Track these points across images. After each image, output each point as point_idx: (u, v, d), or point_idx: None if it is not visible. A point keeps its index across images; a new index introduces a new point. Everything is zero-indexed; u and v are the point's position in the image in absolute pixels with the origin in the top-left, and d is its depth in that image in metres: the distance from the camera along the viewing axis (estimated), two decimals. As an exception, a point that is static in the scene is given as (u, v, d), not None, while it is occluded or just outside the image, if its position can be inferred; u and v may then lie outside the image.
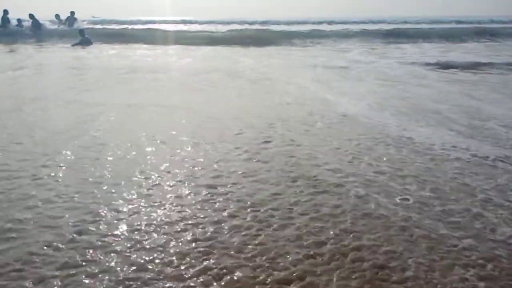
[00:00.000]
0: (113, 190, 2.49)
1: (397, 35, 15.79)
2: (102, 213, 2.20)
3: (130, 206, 2.30)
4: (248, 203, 2.34)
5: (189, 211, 2.25)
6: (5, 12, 17.26)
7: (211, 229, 2.05)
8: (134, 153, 3.16)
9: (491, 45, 13.77)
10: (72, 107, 4.76)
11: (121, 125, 3.99)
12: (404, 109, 4.61)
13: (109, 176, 2.71)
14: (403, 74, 7.46)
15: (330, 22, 30.61)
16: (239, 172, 2.79)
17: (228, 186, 2.56)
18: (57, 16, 18.22)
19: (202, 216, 2.19)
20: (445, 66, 8.37)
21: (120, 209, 2.26)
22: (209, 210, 2.25)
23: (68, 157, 3.05)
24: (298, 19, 36.49)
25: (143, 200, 2.36)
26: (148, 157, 3.06)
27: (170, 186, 2.56)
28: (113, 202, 2.33)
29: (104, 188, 2.52)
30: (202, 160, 3.02)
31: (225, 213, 2.22)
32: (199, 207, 2.29)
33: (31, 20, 17.82)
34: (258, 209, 2.26)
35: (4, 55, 11.32)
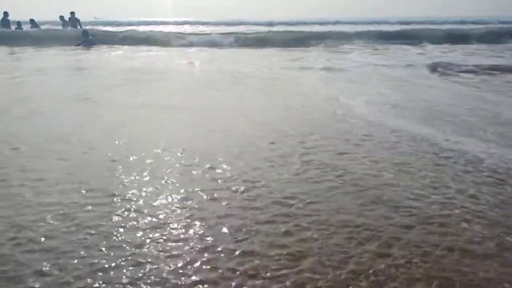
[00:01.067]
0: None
1: (399, 36, 15.67)
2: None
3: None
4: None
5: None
6: (5, 14, 17.16)
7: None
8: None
9: (494, 47, 13.66)
10: (91, 109, 4.73)
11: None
12: (426, 115, 4.44)
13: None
14: (407, 75, 7.42)
15: (334, 23, 30.67)
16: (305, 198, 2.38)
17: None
18: (61, 17, 18.07)
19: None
20: (447, 67, 8.27)
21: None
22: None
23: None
24: (299, 19, 36.50)
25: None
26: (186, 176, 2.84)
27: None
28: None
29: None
30: (254, 181, 2.64)
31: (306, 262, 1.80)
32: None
33: (31, 25, 17.67)
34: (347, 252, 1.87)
35: (6, 57, 11.19)
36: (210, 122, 4.10)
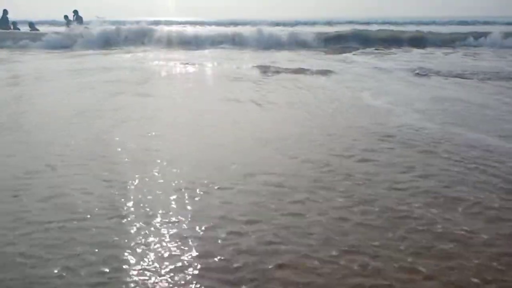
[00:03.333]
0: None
1: (401, 37, 15.59)
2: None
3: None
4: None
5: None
6: (5, 12, 16.78)
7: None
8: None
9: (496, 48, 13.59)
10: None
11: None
12: (472, 120, 4.32)
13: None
14: (412, 76, 7.49)
15: (339, 23, 30.54)
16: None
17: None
18: (65, 17, 17.56)
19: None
20: (449, 70, 8.23)
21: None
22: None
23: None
24: (298, 19, 36.39)
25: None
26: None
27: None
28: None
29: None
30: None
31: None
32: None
33: (30, 29, 17.38)
34: None
35: (15, 58, 10.88)
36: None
